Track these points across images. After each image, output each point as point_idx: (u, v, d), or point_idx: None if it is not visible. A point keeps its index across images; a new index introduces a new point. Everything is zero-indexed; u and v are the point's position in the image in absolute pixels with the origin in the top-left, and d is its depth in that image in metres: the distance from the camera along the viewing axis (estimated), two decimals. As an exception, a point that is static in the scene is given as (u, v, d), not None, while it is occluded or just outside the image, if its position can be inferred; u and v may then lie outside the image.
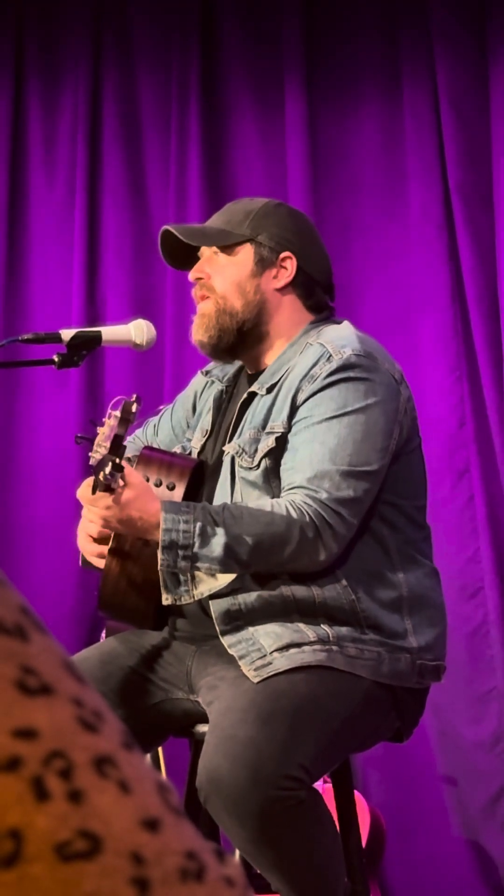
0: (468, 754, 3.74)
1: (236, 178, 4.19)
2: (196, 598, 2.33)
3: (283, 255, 2.48)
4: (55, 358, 2.46)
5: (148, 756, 3.24)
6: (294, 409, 2.36)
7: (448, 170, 3.91)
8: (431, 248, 3.94)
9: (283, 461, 2.34)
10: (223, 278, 2.48)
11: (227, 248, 2.49)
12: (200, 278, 2.50)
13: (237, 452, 2.39)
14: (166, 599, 2.33)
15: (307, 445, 2.31)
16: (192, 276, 2.52)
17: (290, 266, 2.48)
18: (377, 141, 4.08)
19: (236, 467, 2.40)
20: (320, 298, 2.51)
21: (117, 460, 2.11)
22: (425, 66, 3.98)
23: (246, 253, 2.48)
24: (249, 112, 4.20)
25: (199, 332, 2.49)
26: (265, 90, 4.18)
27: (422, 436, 2.48)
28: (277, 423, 2.37)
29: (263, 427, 2.39)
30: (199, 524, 2.22)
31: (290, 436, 2.35)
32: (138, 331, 2.52)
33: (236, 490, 2.39)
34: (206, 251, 2.51)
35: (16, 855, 0.51)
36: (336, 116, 4.13)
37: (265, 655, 2.24)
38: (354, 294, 3.91)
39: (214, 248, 2.50)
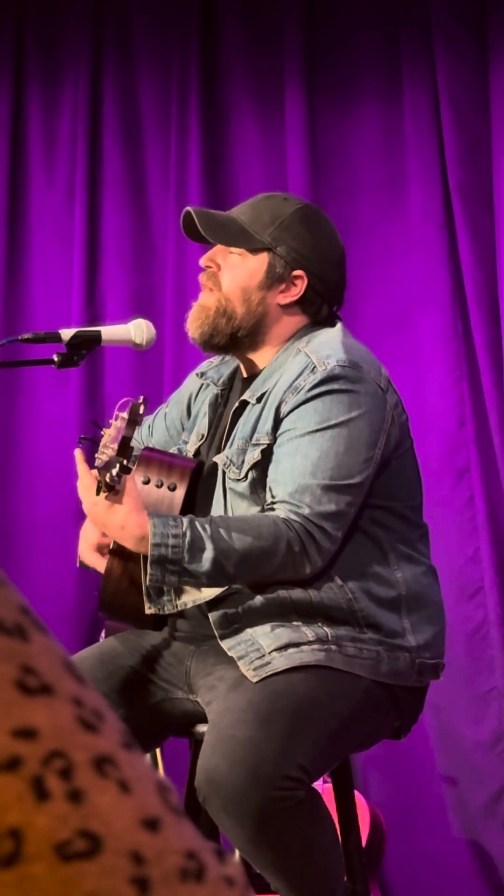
0: (468, 754, 3.74)
1: (236, 178, 4.19)
2: (179, 609, 2.34)
3: (295, 272, 2.44)
4: (55, 357, 2.46)
5: (147, 756, 3.23)
6: (278, 420, 2.35)
7: (448, 170, 3.91)
8: (431, 249, 3.94)
9: (268, 473, 2.34)
10: (232, 278, 2.45)
11: None
12: (210, 267, 2.49)
13: (226, 464, 2.39)
14: (149, 609, 2.33)
15: (289, 458, 2.30)
16: (202, 261, 2.49)
17: (300, 285, 2.44)
18: (377, 141, 4.08)
19: (226, 478, 2.39)
20: (325, 314, 2.48)
21: (125, 462, 2.11)
22: (425, 65, 3.98)
23: (260, 261, 2.44)
24: (249, 112, 4.20)
25: (192, 325, 2.47)
26: (265, 90, 4.17)
27: (422, 436, 2.48)
28: (263, 435, 2.36)
29: (251, 438, 2.38)
30: (188, 539, 2.21)
31: (274, 447, 2.34)
32: (138, 330, 2.52)
33: (227, 501, 2.39)
34: None
35: (16, 855, 0.51)
36: (336, 116, 4.13)
37: (264, 655, 2.24)
38: (354, 294, 3.90)
39: None
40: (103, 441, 2.31)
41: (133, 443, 2.67)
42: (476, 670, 3.73)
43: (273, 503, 2.30)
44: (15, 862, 0.51)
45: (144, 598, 2.33)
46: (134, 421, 2.13)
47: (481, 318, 3.83)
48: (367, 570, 2.34)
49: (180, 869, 0.54)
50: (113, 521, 2.22)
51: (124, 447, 2.11)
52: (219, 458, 2.41)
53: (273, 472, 2.32)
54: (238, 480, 2.37)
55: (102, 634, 3.60)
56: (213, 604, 2.34)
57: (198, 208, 2.51)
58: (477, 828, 3.73)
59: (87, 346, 2.47)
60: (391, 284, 4.02)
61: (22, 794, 0.51)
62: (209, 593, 2.30)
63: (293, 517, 2.25)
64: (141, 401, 2.15)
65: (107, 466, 2.14)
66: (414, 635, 2.35)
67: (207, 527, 2.23)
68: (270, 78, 4.15)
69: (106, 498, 2.20)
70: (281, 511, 2.27)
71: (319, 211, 2.57)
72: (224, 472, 2.40)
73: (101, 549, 2.42)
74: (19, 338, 2.47)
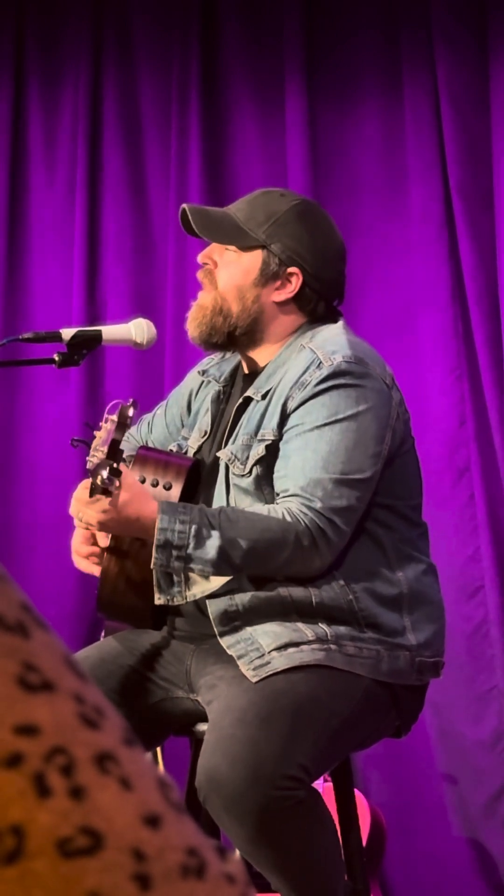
0: (468, 753, 3.74)
1: (236, 177, 4.19)
2: (189, 600, 2.34)
3: (289, 270, 2.44)
4: (55, 357, 2.46)
5: (147, 755, 3.23)
6: (284, 416, 2.35)
7: (448, 169, 3.91)
8: (431, 248, 3.94)
9: (275, 468, 2.34)
10: (227, 275, 2.46)
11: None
12: (207, 264, 2.49)
13: (230, 460, 2.39)
14: (158, 599, 2.33)
15: (299, 453, 2.30)
16: (200, 258, 2.50)
17: (295, 283, 2.44)
18: (377, 140, 4.08)
19: (230, 474, 2.40)
20: (323, 310, 2.48)
21: (115, 465, 2.11)
22: (425, 65, 3.98)
23: (255, 258, 2.45)
24: (249, 112, 4.20)
25: (191, 325, 2.48)
26: (265, 90, 4.17)
27: (422, 435, 2.48)
28: (268, 431, 2.36)
29: (255, 434, 2.38)
30: (194, 525, 2.22)
31: (281, 443, 2.34)
32: (139, 330, 2.52)
33: (231, 496, 2.39)
34: None
35: (18, 851, 0.51)
36: (336, 116, 4.13)
37: (263, 655, 2.24)
38: (354, 294, 3.90)
39: None
40: (94, 444, 2.32)
41: (125, 444, 2.68)
42: (476, 669, 3.73)
43: (284, 497, 2.30)
44: (17, 858, 0.51)
45: (154, 587, 2.33)
46: (123, 424, 2.13)
47: (481, 317, 3.83)
48: (370, 569, 2.34)
49: (181, 866, 0.54)
50: (127, 517, 2.22)
51: (114, 450, 2.12)
52: (222, 454, 2.42)
53: (282, 467, 2.32)
54: (242, 476, 2.37)
55: (102, 634, 3.60)
56: (213, 601, 2.34)
57: (194, 206, 2.51)
58: (477, 827, 3.74)
59: (87, 345, 2.47)
60: (391, 284, 4.02)
61: (24, 791, 0.51)
62: (217, 583, 2.30)
63: (304, 510, 2.25)
64: (130, 403, 2.16)
65: (97, 469, 2.15)
66: (414, 634, 2.35)
67: (216, 515, 2.24)
68: (270, 78, 4.15)
69: (110, 503, 2.20)
70: (292, 504, 2.27)
71: (317, 206, 2.56)
72: (227, 468, 2.40)
73: (91, 556, 2.43)
74: (20, 337, 2.47)
